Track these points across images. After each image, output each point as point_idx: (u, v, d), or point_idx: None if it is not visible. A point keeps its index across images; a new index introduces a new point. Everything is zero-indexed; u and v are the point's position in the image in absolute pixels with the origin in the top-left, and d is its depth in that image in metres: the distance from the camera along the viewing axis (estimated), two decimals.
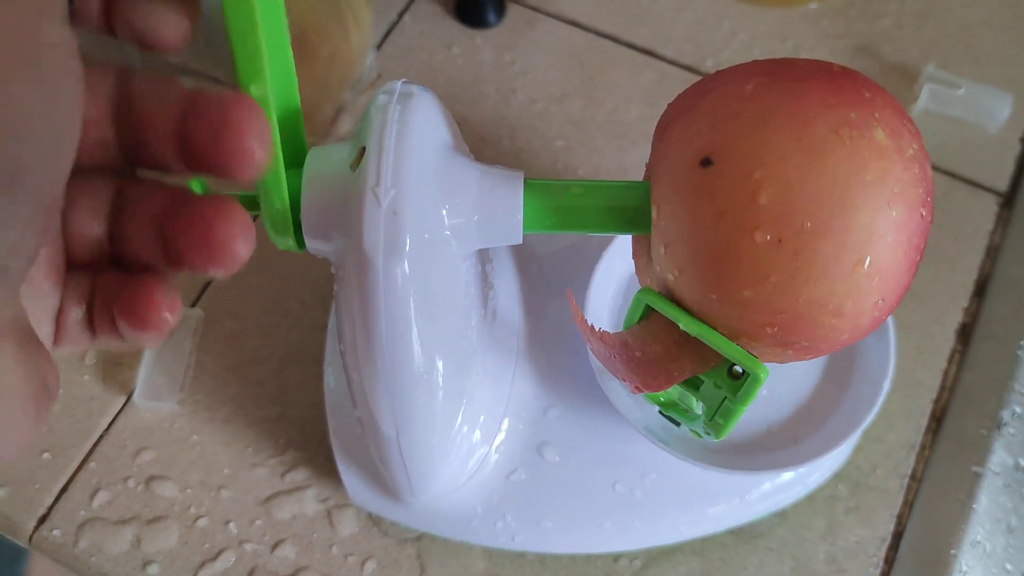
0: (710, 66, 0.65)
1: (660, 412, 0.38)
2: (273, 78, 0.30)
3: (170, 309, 0.28)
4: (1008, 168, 0.60)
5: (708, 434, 0.36)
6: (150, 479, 0.51)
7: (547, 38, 0.66)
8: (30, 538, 0.49)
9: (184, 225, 0.27)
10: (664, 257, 0.32)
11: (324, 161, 0.33)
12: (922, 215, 0.30)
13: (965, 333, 0.55)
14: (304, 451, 0.52)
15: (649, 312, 0.34)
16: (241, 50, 0.29)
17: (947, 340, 0.55)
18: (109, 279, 0.29)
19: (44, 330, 0.28)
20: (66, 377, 0.53)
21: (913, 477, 0.51)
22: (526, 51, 0.66)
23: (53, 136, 0.22)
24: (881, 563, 0.49)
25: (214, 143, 0.26)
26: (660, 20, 0.67)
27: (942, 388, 0.54)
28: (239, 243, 0.27)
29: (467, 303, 0.37)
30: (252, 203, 0.34)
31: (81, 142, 0.25)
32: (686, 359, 0.33)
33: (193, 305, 0.56)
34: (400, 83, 0.34)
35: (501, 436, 0.46)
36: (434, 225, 0.32)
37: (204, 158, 0.26)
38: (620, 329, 0.36)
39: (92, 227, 0.29)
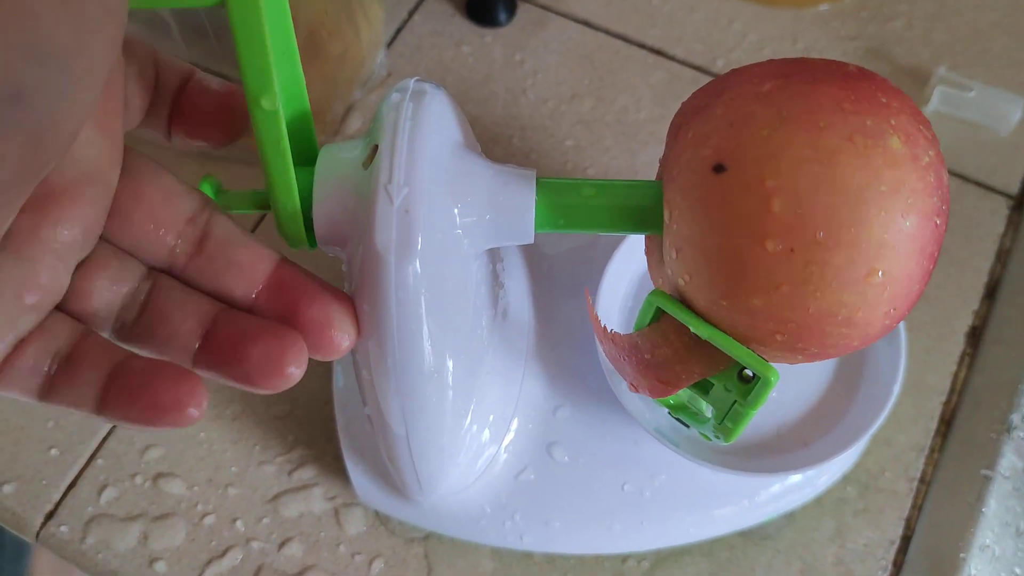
0: (720, 66, 0.65)
1: (669, 414, 0.38)
2: (282, 85, 0.30)
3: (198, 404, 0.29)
4: (1019, 171, 0.60)
5: (717, 437, 0.36)
6: (157, 476, 0.51)
7: (558, 37, 0.66)
8: (37, 534, 0.49)
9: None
10: (675, 261, 0.32)
11: (336, 159, 0.33)
12: (936, 224, 0.30)
13: (975, 336, 0.55)
14: (312, 449, 0.52)
15: (660, 314, 0.34)
16: (250, 67, 0.29)
17: (957, 343, 0.55)
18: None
19: None
20: None
21: (922, 480, 0.51)
22: (536, 50, 0.66)
23: (71, 69, 0.23)
24: (890, 566, 0.49)
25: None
26: (671, 20, 0.67)
27: (952, 391, 0.54)
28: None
29: (478, 302, 0.37)
30: (263, 203, 0.34)
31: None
32: (696, 362, 0.33)
33: None
34: (413, 81, 0.34)
35: (510, 436, 0.46)
36: (446, 224, 0.32)
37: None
38: (630, 330, 0.36)
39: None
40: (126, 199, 0.30)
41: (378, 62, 0.62)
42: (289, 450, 0.52)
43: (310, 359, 0.31)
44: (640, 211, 0.33)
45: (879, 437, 0.52)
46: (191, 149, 0.60)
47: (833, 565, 0.49)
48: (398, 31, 0.67)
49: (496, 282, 0.42)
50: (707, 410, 0.36)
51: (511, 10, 0.67)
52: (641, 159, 0.61)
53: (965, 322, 0.56)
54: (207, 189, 0.34)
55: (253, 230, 0.58)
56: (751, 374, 0.33)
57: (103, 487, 0.51)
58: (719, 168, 0.29)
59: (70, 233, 0.28)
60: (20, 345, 0.29)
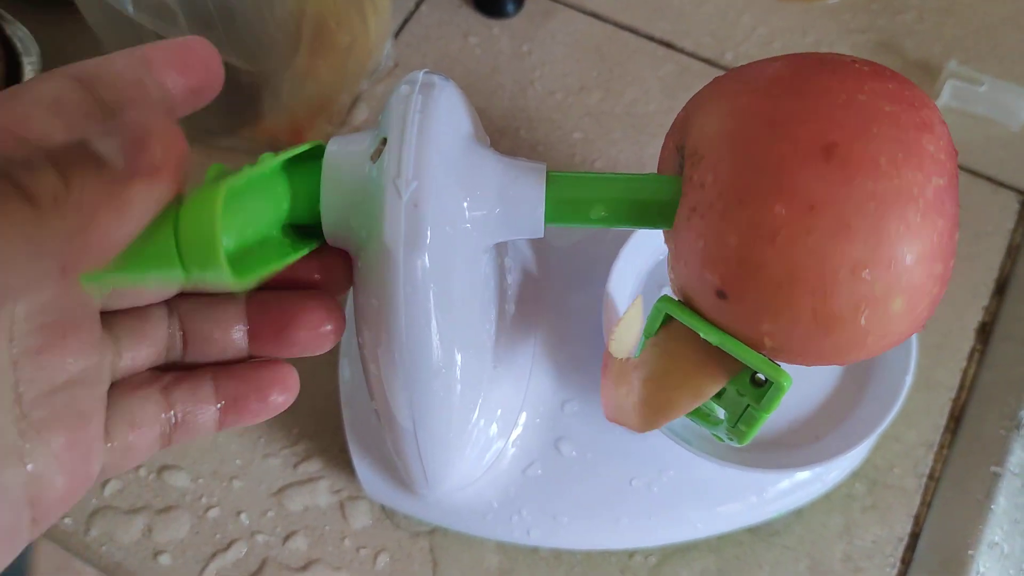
0: (729, 59, 0.64)
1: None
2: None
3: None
4: None
5: (731, 439, 0.35)
6: (162, 468, 0.51)
7: (565, 29, 0.66)
8: None
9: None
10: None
11: (344, 152, 0.32)
12: (945, 268, 0.30)
13: (985, 332, 0.55)
14: (317, 442, 0.51)
15: (669, 320, 0.34)
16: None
17: (967, 338, 0.55)
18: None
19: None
20: None
21: (931, 476, 0.51)
22: (544, 42, 0.65)
23: None
24: (898, 563, 0.49)
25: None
26: (680, 12, 0.66)
27: (961, 387, 0.53)
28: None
29: (486, 297, 0.37)
30: None
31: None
32: (712, 367, 0.33)
33: None
34: (422, 73, 0.33)
35: (518, 430, 0.46)
36: (455, 218, 0.32)
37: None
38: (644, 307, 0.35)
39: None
40: None
41: (385, 53, 0.62)
42: (294, 443, 0.51)
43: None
44: (651, 205, 0.33)
45: (888, 433, 0.51)
46: (195, 138, 0.59)
47: (841, 562, 0.49)
48: (405, 21, 0.66)
49: (504, 276, 0.42)
50: (718, 411, 0.36)
51: (519, 1, 0.66)
52: (650, 152, 0.60)
53: (975, 318, 0.55)
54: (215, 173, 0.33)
55: None
56: (763, 378, 0.33)
57: (107, 479, 0.50)
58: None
59: None
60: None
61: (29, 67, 0.58)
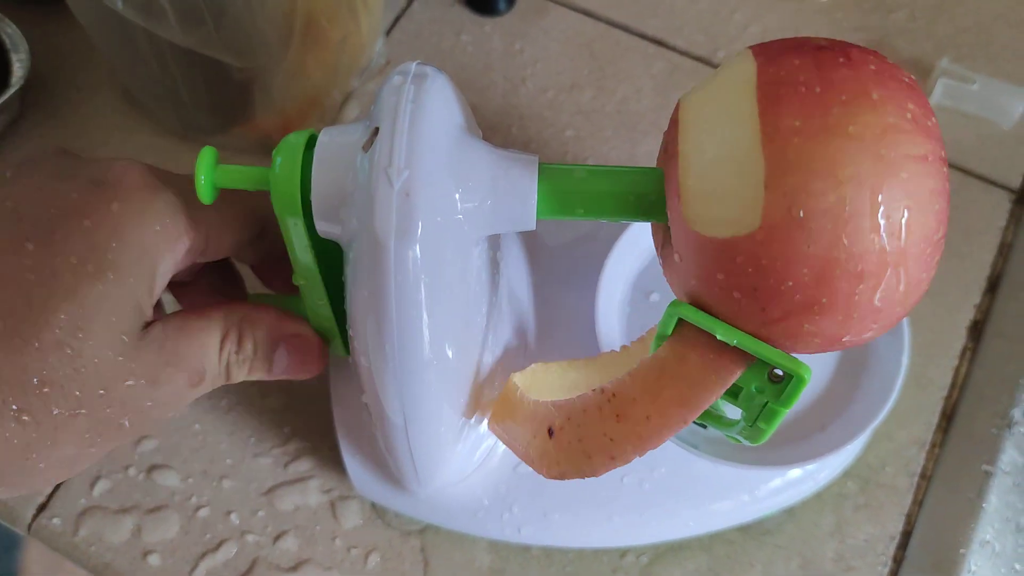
0: (722, 57, 0.64)
1: (694, 422, 0.37)
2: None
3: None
4: (1021, 165, 0.60)
5: (747, 439, 0.35)
6: (151, 468, 0.50)
7: (557, 26, 0.66)
8: (29, 526, 0.49)
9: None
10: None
11: (336, 142, 0.32)
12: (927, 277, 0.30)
13: (976, 330, 0.55)
14: (308, 441, 0.51)
15: (681, 324, 0.33)
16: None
17: (958, 337, 0.55)
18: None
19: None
20: None
21: (923, 475, 0.51)
22: (536, 39, 0.65)
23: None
24: (890, 561, 0.49)
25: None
26: (672, 10, 0.66)
27: (953, 385, 0.53)
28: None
29: (478, 290, 0.37)
30: (261, 180, 0.34)
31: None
32: (729, 363, 0.32)
33: None
34: (415, 64, 0.33)
35: None
36: (447, 208, 0.31)
37: None
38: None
39: None
40: None
41: (377, 50, 0.62)
42: (285, 442, 0.51)
43: None
44: (644, 198, 0.33)
45: (880, 432, 0.51)
46: (186, 136, 0.59)
47: (833, 560, 0.49)
48: (397, 19, 0.66)
49: (496, 271, 0.42)
50: (728, 411, 0.36)
51: None
52: (641, 149, 0.60)
53: (967, 316, 0.55)
54: (207, 156, 0.33)
55: None
56: (780, 373, 0.32)
57: (96, 479, 0.50)
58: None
59: None
60: None
61: (18, 64, 0.57)
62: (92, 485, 0.50)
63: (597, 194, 0.33)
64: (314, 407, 0.52)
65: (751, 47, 0.31)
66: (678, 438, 0.44)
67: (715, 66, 0.64)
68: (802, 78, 0.29)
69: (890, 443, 0.51)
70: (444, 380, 0.35)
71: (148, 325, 0.33)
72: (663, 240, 0.34)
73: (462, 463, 0.44)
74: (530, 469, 0.45)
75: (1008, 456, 0.50)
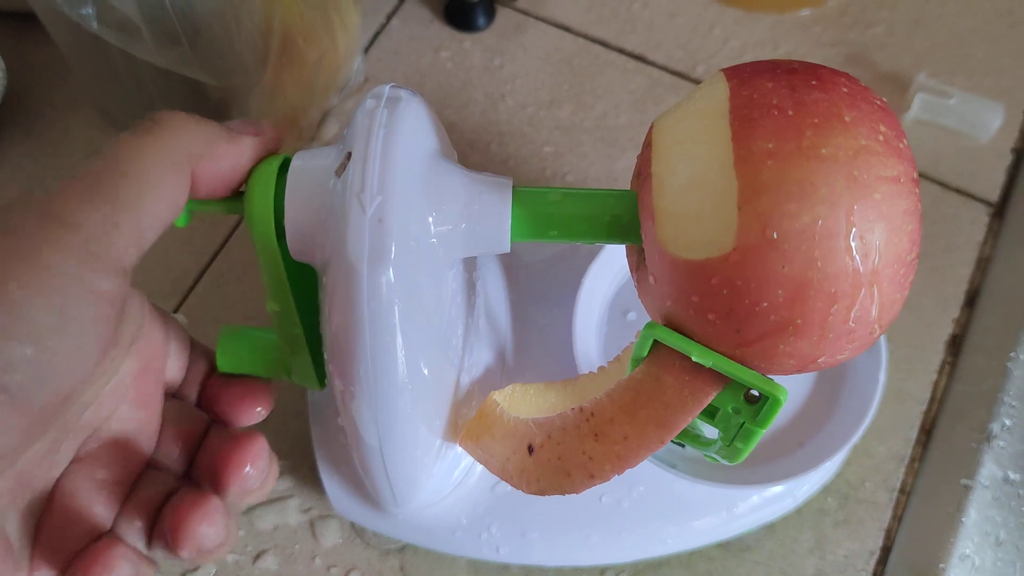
0: (700, 73, 0.64)
1: (672, 441, 0.37)
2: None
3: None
4: (999, 178, 0.60)
5: (725, 459, 0.35)
6: None
7: (537, 42, 0.66)
8: None
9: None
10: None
11: (309, 166, 0.32)
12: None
13: (955, 344, 0.55)
14: (287, 460, 0.51)
15: (657, 346, 0.33)
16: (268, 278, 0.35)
17: (937, 351, 0.55)
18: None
19: None
20: None
21: (902, 490, 0.51)
22: (515, 55, 0.65)
23: (51, 347, 0.27)
24: None
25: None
26: (651, 26, 0.66)
27: (932, 400, 0.53)
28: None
29: (453, 312, 0.37)
30: (234, 206, 0.34)
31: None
32: (705, 385, 0.33)
33: (176, 311, 0.55)
34: (388, 87, 0.33)
35: None
36: (420, 233, 0.31)
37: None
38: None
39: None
40: None
41: (355, 68, 0.62)
42: None
43: None
44: (618, 220, 0.33)
45: (859, 447, 0.51)
46: None
47: None
48: (375, 36, 0.66)
49: (472, 291, 0.42)
50: (706, 431, 0.36)
51: (490, 15, 0.66)
52: (620, 165, 0.60)
53: (945, 330, 0.55)
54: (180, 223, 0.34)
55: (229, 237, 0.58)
56: (757, 394, 0.32)
57: None
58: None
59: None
60: None
61: None
62: None
63: (571, 217, 0.33)
64: (293, 426, 0.51)
65: (724, 69, 0.31)
66: (656, 457, 0.44)
67: (694, 81, 0.64)
68: (775, 101, 0.29)
69: (869, 458, 0.51)
70: (420, 403, 0.35)
71: None
72: (637, 262, 0.34)
73: (440, 484, 0.44)
74: (508, 488, 0.45)
75: (987, 470, 0.50)
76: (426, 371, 0.35)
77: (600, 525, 0.46)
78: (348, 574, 0.48)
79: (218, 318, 0.55)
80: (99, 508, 0.33)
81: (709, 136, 0.29)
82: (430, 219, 0.32)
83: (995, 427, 0.51)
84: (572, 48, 0.66)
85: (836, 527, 0.50)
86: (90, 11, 0.46)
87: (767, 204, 0.28)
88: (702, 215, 0.29)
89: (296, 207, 0.32)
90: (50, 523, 0.32)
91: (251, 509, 0.50)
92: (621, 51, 0.66)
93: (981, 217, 0.59)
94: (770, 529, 0.49)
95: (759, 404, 0.32)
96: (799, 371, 0.32)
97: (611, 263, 0.48)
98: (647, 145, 0.32)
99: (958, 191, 0.60)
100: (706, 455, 0.36)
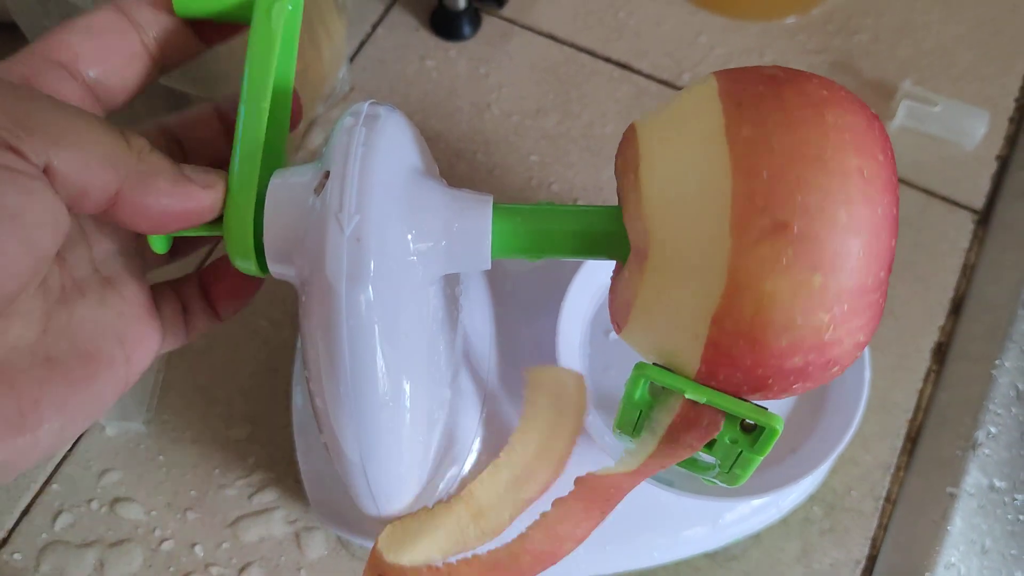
0: (687, 80, 0.64)
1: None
2: (273, 99, 0.34)
3: None
4: (984, 186, 0.60)
5: (723, 483, 0.35)
6: (115, 501, 0.50)
7: (523, 51, 0.66)
8: None
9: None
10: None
11: (287, 184, 0.32)
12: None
13: (940, 352, 0.55)
14: (273, 472, 0.51)
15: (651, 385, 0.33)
16: (254, 73, 0.34)
17: (922, 359, 0.55)
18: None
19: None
20: None
21: (888, 499, 0.51)
22: (501, 64, 0.65)
23: None
24: None
25: None
26: (637, 34, 0.66)
27: (917, 408, 0.53)
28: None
29: (435, 328, 0.37)
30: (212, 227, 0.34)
31: None
32: (705, 420, 0.33)
33: None
34: (367, 104, 0.33)
35: (472, 457, 0.46)
36: (399, 251, 0.31)
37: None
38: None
39: None
40: None
41: (340, 77, 0.61)
42: (250, 473, 0.51)
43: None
44: (600, 236, 0.33)
45: (845, 456, 0.51)
46: None
47: None
48: (361, 45, 0.66)
49: (455, 305, 0.41)
50: (705, 457, 0.36)
51: (476, 23, 0.66)
52: (606, 175, 0.60)
53: (931, 338, 0.55)
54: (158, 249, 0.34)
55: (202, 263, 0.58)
56: (752, 423, 0.32)
57: (58, 513, 0.50)
58: None
59: None
60: None
61: None
62: (54, 519, 0.49)
63: (553, 233, 0.33)
64: (279, 437, 0.51)
65: (718, 91, 0.30)
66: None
67: (680, 88, 0.64)
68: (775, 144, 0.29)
69: (855, 467, 0.51)
70: (401, 420, 0.35)
71: None
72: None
73: (425, 496, 0.43)
74: None
75: (973, 478, 0.50)
76: (408, 387, 0.35)
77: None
78: None
79: None
80: None
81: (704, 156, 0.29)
82: (409, 237, 0.32)
83: (981, 435, 0.51)
84: (558, 56, 0.66)
85: (822, 536, 0.50)
86: None
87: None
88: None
89: (275, 225, 0.32)
90: None
91: (236, 521, 0.50)
92: (607, 59, 0.66)
93: (966, 224, 0.59)
94: (756, 539, 0.50)
95: (756, 433, 0.32)
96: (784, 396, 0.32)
97: (590, 282, 0.48)
98: (629, 170, 0.32)
99: (943, 199, 0.60)
100: (705, 480, 0.36)
